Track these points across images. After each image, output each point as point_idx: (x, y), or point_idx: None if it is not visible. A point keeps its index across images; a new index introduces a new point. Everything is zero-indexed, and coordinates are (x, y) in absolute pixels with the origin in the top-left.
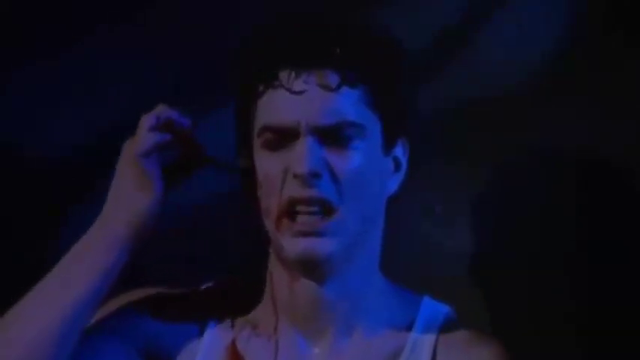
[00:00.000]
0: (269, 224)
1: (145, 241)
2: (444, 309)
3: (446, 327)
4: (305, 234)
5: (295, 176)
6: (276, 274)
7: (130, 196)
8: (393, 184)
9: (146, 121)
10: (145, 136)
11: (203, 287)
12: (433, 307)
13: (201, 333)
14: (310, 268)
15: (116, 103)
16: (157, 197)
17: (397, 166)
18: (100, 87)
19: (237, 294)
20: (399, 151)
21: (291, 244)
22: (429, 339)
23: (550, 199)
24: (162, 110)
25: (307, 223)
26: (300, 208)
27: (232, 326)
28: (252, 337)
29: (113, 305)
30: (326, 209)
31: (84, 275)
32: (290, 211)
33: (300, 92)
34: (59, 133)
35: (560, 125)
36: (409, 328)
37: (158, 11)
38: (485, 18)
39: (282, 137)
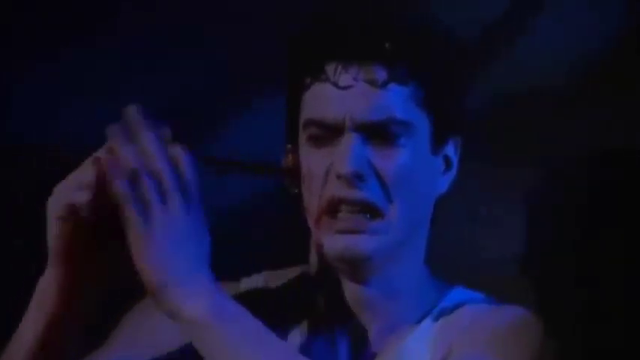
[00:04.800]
0: (310, 221)
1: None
2: (475, 294)
3: (464, 305)
4: (346, 231)
5: (338, 177)
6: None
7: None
8: (443, 183)
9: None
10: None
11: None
12: (463, 292)
13: None
14: (351, 266)
15: (120, 102)
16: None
17: (448, 165)
18: (102, 85)
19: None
20: (450, 149)
21: (332, 241)
22: (437, 321)
23: (598, 199)
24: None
25: (349, 220)
26: (341, 207)
27: None
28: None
29: None
30: (371, 212)
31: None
32: (331, 210)
33: (347, 87)
34: (62, 131)
35: (608, 125)
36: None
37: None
38: (532, 16)
39: (327, 132)
